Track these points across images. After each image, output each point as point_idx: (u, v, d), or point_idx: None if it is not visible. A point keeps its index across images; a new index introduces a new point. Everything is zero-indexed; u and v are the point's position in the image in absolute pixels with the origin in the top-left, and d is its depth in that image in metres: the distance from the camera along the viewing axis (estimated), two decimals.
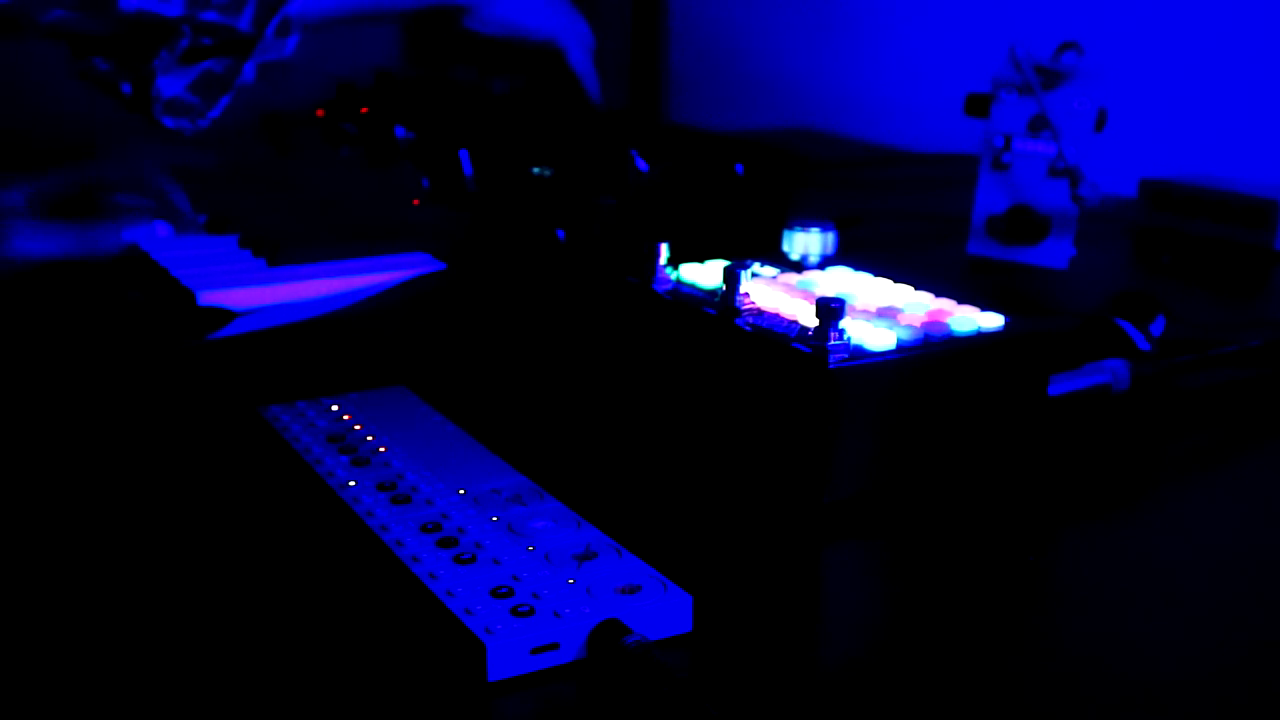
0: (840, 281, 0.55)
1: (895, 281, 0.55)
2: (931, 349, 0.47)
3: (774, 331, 0.47)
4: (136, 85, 0.87)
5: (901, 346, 0.46)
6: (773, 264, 0.57)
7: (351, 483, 0.45)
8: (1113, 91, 0.80)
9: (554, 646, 0.35)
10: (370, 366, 0.62)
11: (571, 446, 0.53)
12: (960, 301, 0.51)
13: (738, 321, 0.49)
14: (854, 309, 0.50)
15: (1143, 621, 0.39)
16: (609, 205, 0.79)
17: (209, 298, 0.70)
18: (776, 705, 0.34)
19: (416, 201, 0.99)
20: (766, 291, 0.52)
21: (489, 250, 0.85)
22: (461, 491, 0.45)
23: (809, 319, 0.47)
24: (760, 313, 0.49)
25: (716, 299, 0.51)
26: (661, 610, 0.37)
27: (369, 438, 0.50)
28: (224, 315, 0.70)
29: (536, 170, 0.85)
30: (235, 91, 0.89)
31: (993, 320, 0.49)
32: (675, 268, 0.55)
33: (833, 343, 0.44)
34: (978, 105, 0.83)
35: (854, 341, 0.45)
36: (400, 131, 0.95)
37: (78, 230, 0.73)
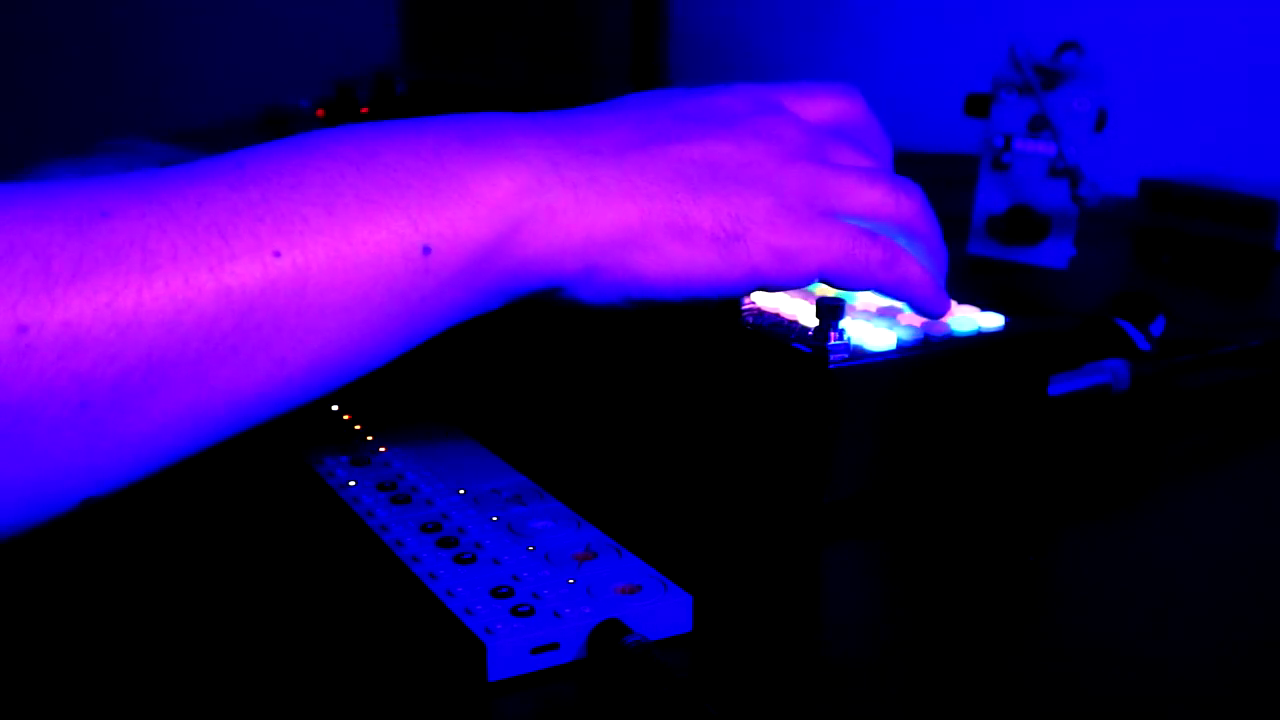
0: None
1: None
2: (931, 349, 0.47)
3: (774, 331, 0.47)
4: None
5: (901, 346, 0.46)
6: None
7: (351, 483, 0.45)
8: (1113, 91, 0.80)
9: (554, 646, 0.35)
10: (374, 373, 0.61)
11: (571, 446, 0.53)
12: (960, 301, 0.51)
13: (738, 321, 0.49)
14: (854, 309, 0.50)
15: (1143, 621, 0.39)
16: None
17: None
18: (776, 705, 0.34)
19: None
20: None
21: None
22: (461, 491, 0.45)
23: (809, 319, 0.47)
24: (760, 313, 0.49)
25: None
26: (661, 610, 0.37)
27: (369, 437, 0.50)
28: None
29: None
30: None
31: (993, 320, 0.49)
32: None
33: (833, 343, 0.44)
34: (978, 105, 0.83)
35: (854, 341, 0.45)
36: None
37: None
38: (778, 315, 0.49)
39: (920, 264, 0.45)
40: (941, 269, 0.47)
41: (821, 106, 0.48)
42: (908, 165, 0.51)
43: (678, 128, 0.42)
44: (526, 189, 0.38)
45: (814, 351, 0.44)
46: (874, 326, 0.47)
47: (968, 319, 0.49)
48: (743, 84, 0.46)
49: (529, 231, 0.38)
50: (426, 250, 0.36)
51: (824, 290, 0.53)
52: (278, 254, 0.33)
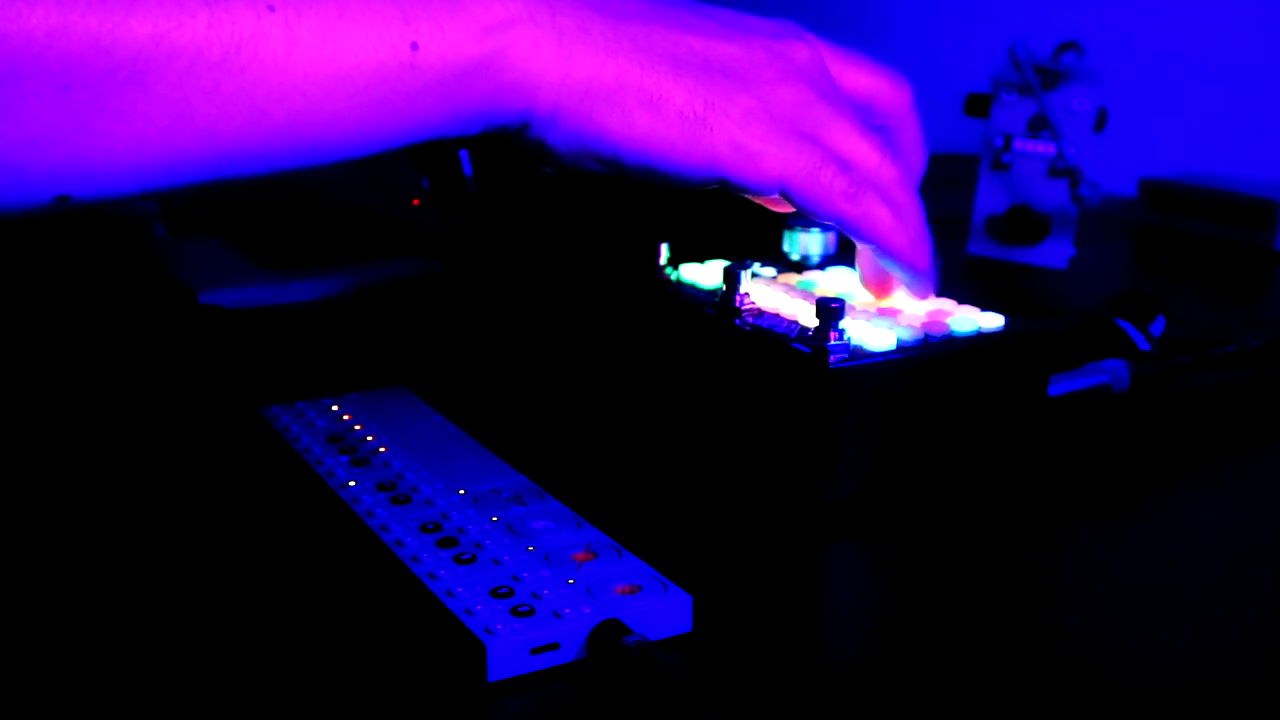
0: (840, 281, 0.55)
1: None
2: (931, 349, 0.47)
3: (774, 331, 0.47)
4: None
5: (901, 346, 0.46)
6: (773, 264, 0.57)
7: (351, 483, 0.45)
8: (1113, 91, 0.80)
9: (554, 646, 0.35)
10: (370, 366, 0.62)
11: (571, 446, 0.53)
12: (960, 301, 0.51)
13: (738, 321, 0.49)
14: (854, 309, 0.50)
15: (1143, 621, 0.39)
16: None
17: (209, 298, 0.70)
18: (776, 705, 0.34)
19: (416, 201, 0.99)
20: (766, 291, 0.52)
21: (489, 250, 0.85)
22: (461, 491, 0.45)
23: (809, 319, 0.47)
24: (760, 313, 0.49)
25: (716, 299, 0.51)
26: (661, 610, 0.37)
27: (369, 438, 0.50)
28: (224, 315, 0.70)
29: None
30: None
31: (993, 320, 0.49)
32: (675, 268, 0.55)
33: (833, 343, 0.44)
34: (978, 105, 0.83)
35: (854, 341, 0.45)
36: None
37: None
38: (778, 315, 0.49)
39: (892, 216, 0.45)
40: (918, 240, 0.47)
41: (860, 78, 0.48)
42: None
43: (693, 19, 0.44)
44: (516, 19, 0.39)
45: (814, 351, 0.44)
46: (874, 326, 0.47)
47: (968, 319, 0.49)
48: (796, 24, 0.47)
49: (510, 60, 0.39)
50: (414, 47, 0.37)
51: (824, 290, 0.53)
52: (272, 8, 0.35)
